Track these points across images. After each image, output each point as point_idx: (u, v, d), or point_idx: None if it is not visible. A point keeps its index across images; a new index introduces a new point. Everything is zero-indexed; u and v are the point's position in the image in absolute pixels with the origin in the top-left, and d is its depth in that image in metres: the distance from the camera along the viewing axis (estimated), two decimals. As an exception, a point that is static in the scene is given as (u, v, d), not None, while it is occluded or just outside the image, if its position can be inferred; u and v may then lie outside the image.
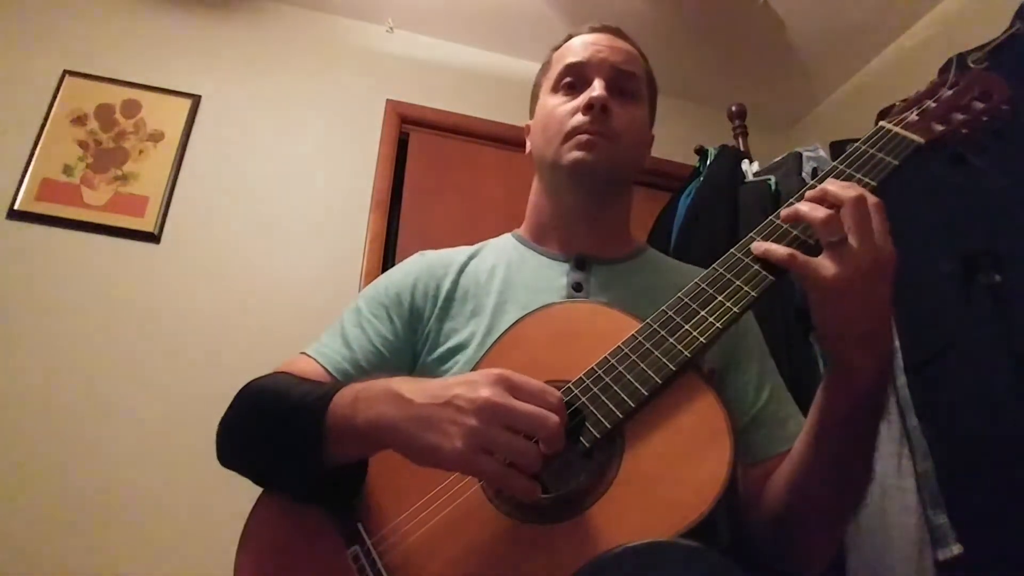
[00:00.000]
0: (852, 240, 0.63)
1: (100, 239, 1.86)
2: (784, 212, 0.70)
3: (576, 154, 0.91)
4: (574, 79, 0.96)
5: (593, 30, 1.01)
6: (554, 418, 0.58)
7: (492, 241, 1.04)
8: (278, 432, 0.72)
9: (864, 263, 0.62)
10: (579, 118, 0.92)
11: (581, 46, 0.98)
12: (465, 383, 0.60)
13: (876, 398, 0.67)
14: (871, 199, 0.65)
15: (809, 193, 0.69)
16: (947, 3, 2.08)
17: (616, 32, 1.02)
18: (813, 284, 0.64)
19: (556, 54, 1.02)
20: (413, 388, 0.63)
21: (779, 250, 0.66)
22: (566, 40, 1.03)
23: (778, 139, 2.52)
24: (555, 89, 0.98)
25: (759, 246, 0.69)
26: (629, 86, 0.97)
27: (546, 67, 1.04)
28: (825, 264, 0.63)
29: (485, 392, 0.58)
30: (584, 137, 0.91)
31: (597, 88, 0.92)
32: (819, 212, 0.65)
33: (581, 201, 0.96)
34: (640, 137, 0.99)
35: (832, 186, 0.67)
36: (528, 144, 1.05)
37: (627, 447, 0.65)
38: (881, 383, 0.67)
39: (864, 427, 0.69)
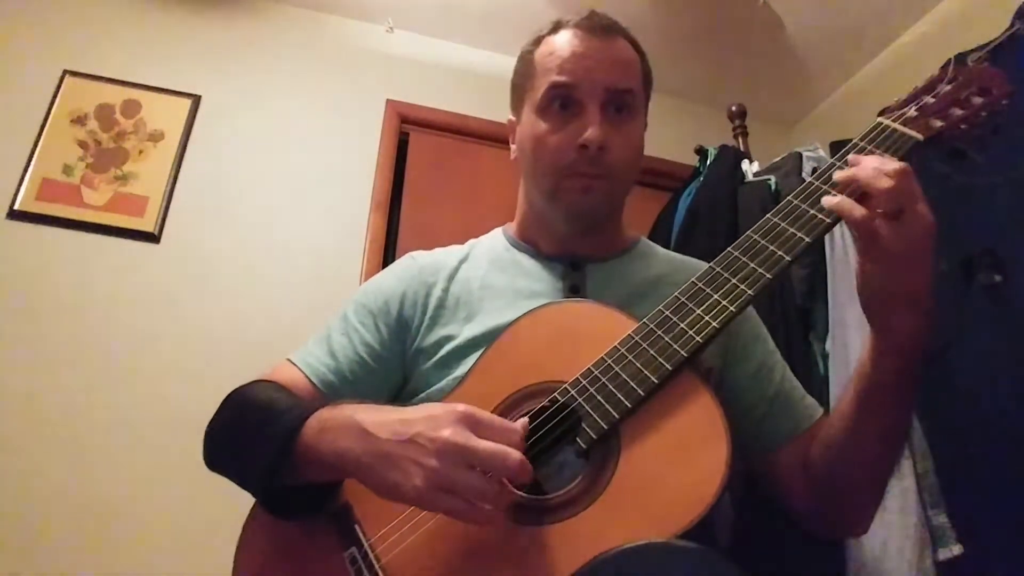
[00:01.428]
0: (911, 210, 0.64)
1: (100, 239, 1.86)
2: (840, 175, 0.69)
3: (572, 198, 0.87)
4: (564, 101, 0.87)
5: (582, 29, 0.90)
6: (515, 455, 0.58)
7: (483, 240, 1.02)
8: (249, 451, 0.72)
9: (921, 229, 0.65)
10: (572, 156, 0.85)
11: (571, 58, 0.87)
12: (427, 419, 0.61)
13: (920, 354, 0.70)
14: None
15: (844, 171, 0.69)
16: (947, 3, 2.07)
17: (608, 31, 0.90)
18: (878, 250, 0.65)
19: (540, 55, 0.92)
20: (376, 421, 0.63)
21: (857, 210, 0.66)
22: (552, 31, 0.93)
23: (778, 139, 2.52)
24: (542, 110, 0.89)
25: (830, 200, 0.68)
26: (625, 102, 0.89)
27: (530, 67, 0.93)
28: (890, 232, 0.64)
29: (446, 432, 0.58)
30: (580, 183, 0.86)
31: (592, 126, 0.84)
32: (884, 182, 0.65)
33: (576, 230, 0.92)
34: (637, 154, 0.92)
35: (875, 162, 0.67)
36: (513, 148, 0.98)
37: (624, 447, 0.65)
38: (925, 340, 0.69)
39: (913, 382, 0.72)
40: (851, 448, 0.75)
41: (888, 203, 0.64)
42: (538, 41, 0.94)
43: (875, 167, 0.66)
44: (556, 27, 0.93)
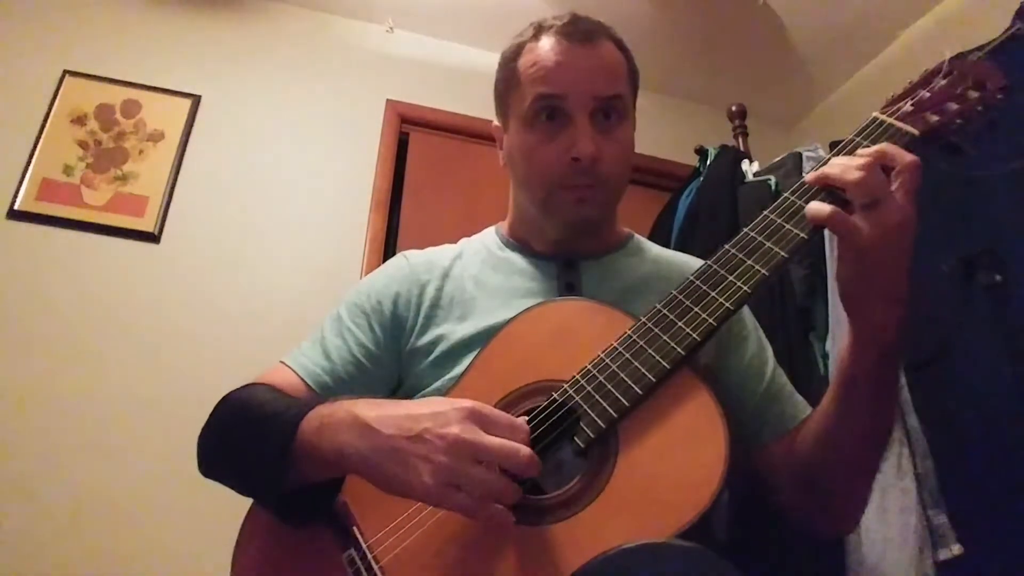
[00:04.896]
0: (885, 201, 0.63)
1: (100, 239, 1.86)
2: (811, 176, 0.69)
3: (567, 210, 0.87)
4: (551, 112, 0.85)
5: (564, 36, 0.86)
6: (525, 451, 0.59)
7: (475, 239, 1.01)
8: (247, 454, 0.72)
9: (896, 220, 0.63)
10: (564, 169, 0.84)
11: (555, 68, 0.85)
12: (434, 415, 0.60)
13: (899, 348, 0.68)
14: (908, 159, 0.65)
15: (814, 171, 0.69)
16: (947, 3, 2.07)
17: (591, 36, 0.87)
18: (851, 243, 0.64)
19: (524, 65, 0.88)
20: (379, 416, 0.63)
21: (823, 208, 0.65)
22: (533, 38, 0.89)
23: (778, 139, 2.51)
24: (529, 122, 0.87)
25: (810, 208, 0.67)
26: (614, 108, 0.86)
27: (513, 76, 0.90)
28: (863, 224, 0.63)
29: (455, 429, 0.58)
30: (575, 194, 0.85)
31: (584, 138, 0.82)
32: (852, 175, 0.64)
33: (570, 237, 0.91)
34: (629, 159, 0.90)
35: (843, 159, 0.67)
36: (501, 154, 0.98)
37: (622, 446, 0.65)
38: (902, 333, 0.67)
39: (892, 376, 0.71)
40: (831, 445, 0.74)
41: (860, 195, 0.64)
42: (519, 48, 0.91)
43: (843, 163, 0.66)
44: (537, 32, 0.89)
